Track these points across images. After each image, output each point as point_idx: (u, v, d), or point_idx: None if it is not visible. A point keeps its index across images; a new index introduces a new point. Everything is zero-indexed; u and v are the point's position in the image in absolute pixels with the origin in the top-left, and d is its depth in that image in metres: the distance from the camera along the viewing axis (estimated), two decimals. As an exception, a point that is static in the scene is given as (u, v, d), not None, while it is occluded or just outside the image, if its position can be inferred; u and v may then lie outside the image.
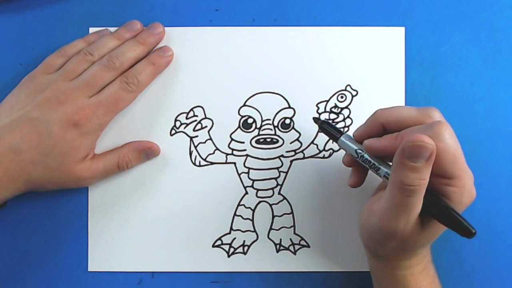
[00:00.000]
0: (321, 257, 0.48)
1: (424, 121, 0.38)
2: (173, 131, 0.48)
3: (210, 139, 0.48)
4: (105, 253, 0.48)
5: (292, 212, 0.48)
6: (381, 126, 0.40)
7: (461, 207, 0.38)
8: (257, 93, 0.48)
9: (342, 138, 0.42)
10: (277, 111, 0.48)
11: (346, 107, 0.48)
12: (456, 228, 0.36)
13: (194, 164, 0.48)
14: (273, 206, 0.48)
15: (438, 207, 0.37)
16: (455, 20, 0.48)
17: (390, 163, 0.39)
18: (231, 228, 0.48)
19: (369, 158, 0.40)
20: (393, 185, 0.37)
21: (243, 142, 0.48)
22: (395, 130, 0.39)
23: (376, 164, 0.40)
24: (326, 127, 0.44)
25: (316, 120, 0.45)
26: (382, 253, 0.41)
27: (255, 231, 0.48)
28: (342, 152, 0.48)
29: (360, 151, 0.41)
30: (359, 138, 0.42)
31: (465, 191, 0.38)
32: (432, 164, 0.36)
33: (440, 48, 0.48)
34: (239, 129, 0.48)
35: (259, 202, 0.48)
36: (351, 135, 0.42)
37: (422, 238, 0.39)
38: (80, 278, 0.48)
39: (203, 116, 0.48)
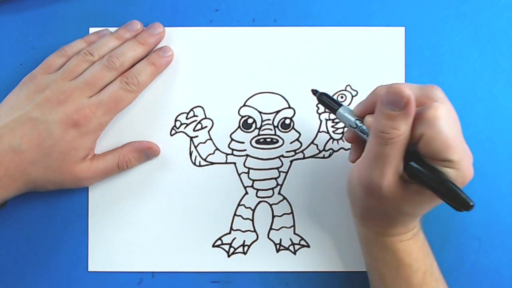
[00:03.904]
0: (321, 257, 0.48)
1: (423, 102, 0.38)
2: (173, 131, 0.48)
3: (210, 139, 0.48)
4: (105, 253, 0.48)
5: (292, 212, 0.48)
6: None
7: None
8: (257, 93, 0.48)
9: (340, 110, 0.42)
10: (277, 111, 0.48)
11: (346, 107, 0.48)
12: (451, 199, 0.36)
13: (194, 164, 0.48)
14: (273, 206, 0.48)
15: (433, 177, 0.36)
16: (455, 20, 0.48)
17: None
18: (231, 228, 0.48)
19: (367, 130, 0.40)
20: (371, 133, 0.37)
21: (243, 142, 0.48)
22: None
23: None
24: (325, 99, 0.43)
25: (314, 92, 0.44)
26: (368, 216, 0.41)
27: (255, 231, 0.48)
28: (342, 152, 0.48)
29: (359, 123, 0.40)
30: (359, 114, 0.41)
31: (460, 173, 0.37)
32: (412, 124, 0.36)
33: (440, 48, 0.48)
34: (239, 129, 0.48)
35: (259, 202, 0.48)
36: (351, 109, 0.42)
37: (406, 204, 0.38)
38: (80, 278, 0.48)
39: (203, 116, 0.48)
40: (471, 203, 0.35)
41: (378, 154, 0.37)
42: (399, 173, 0.37)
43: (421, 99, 0.38)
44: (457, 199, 0.35)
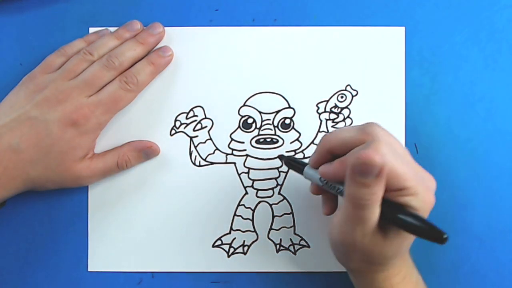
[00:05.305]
0: (321, 257, 0.48)
1: (365, 140, 0.38)
2: (173, 131, 0.48)
3: (210, 139, 0.48)
4: (105, 253, 0.48)
5: (292, 212, 0.48)
6: (330, 151, 0.40)
7: (420, 213, 0.37)
8: (257, 93, 0.48)
9: (306, 169, 0.42)
10: (277, 111, 0.48)
11: (346, 107, 0.48)
12: (424, 234, 0.35)
13: (194, 164, 0.48)
14: (273, 206, 0.48)
15: (401, 216, 0.36)
16: (455, 20, 0.48)
17: None
18: (231, 228, 0.48)
19: (333, 184, 0.39)
20: (346, 199, 0.37)
21: (243, 142, 0.48)
22: (342, 153, 0.39)
23: (341, 188, 0.39)
24: (291, 162, 0.44)
25: (281, 157, 0.46)
26: (353, 267, 0.41)
27: (255, 231, 0.48)
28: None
29: (323, 178, 0.40)
30: (315, 166, 0.41)
31: (419, 198, 0.37)
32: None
33: (440, 48, 0.48)
34: (239, 129, 0.48)
35: (259, 202, 0.48)
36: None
37: (388, 250, 0.38)
38: (80, 278, 0.48)
39: (203, 116, 0.48)
40: (445, 235, 0.35)
41: (357, 217, 0.37)
42: (376, 224, 0.37)
43: (361, 137, 0.38)
44: (432, 233, 0.35)
